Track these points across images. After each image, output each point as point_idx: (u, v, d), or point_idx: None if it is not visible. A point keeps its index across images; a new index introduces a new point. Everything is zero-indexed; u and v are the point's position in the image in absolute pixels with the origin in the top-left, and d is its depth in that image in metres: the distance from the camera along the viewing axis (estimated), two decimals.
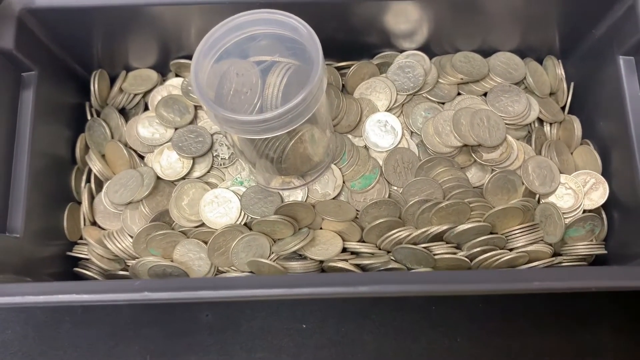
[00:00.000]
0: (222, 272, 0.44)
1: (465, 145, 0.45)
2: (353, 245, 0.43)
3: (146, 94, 0.49)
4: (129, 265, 0.44)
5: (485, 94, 0.47)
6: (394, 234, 0.42)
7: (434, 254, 0.42)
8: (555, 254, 0.44)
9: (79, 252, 0.45)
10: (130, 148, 0.47)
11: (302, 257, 0.43)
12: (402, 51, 0.48)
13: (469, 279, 0.32)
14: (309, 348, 0.50)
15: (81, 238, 0.46)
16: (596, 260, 0.45)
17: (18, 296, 0.32)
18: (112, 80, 0.49)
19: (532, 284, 0.31)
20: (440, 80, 0.47)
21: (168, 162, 0.46)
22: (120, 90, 0.49)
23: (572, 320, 0.50)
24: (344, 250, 0.43)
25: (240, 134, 0.36)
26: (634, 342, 0.50)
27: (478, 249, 0.42)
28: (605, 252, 0.44)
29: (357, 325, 0.51)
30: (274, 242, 0.43)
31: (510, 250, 0.43)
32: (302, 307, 0.51)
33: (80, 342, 0.50)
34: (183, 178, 0.46)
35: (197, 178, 0.46)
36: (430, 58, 0.48)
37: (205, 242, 0.43)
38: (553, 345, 0.50)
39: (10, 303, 0.32)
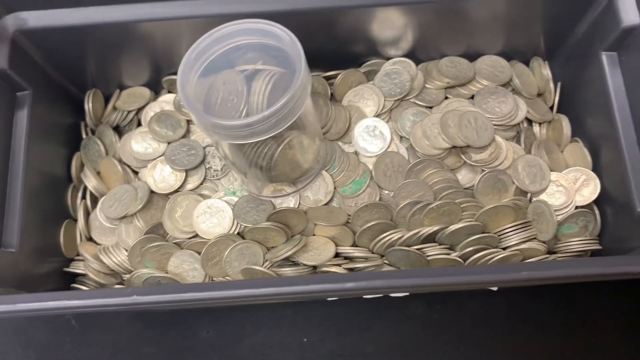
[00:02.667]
0: None
1: (454, 147, 0.45)
2: (346, 249, 0.43)
3: (139, 110, 0.49)
4: (124, 280, 0.44)
5: (472, 97, 0.48)
6: (386, 236, 0.42)
7: (427, 256, 0.42)
8: (550, 252, 0.44)
9: (76, 267, 0.45)
10: (124, 164, 0.47)
11: (295, 264, 0.43)
12: (388, 58, 0.49)
13: (452, 272, 0.32)
14: None
15: (78, 255, 0.46)
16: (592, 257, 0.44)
17: (10, 304, 0.32)
18: (106, 99, 0.50)
19: (521, 274, 0.31)
20: (427, 85, 0.48)
21: (161, 176, 0.46)
22: (114, 108, 0.50)
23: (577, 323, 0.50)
24: (338, 255, 0.43)
25: (228, 139, 0.37)
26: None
27: (471, 248, 0.42)
28: (600, 247, 0.43)
29: (359, 337, 0.51)
30: (268, 250, 0.44)
31: (504, 249, 0.43)
32: (303, 320, 0.51)
33: None
34: (176, 191, 0.46)
35: (191, 190, 0.46)
36: (417, 64, 0.49)
37: (199, 253, 0.43)
38: (558, 350, 0.50)
39: (3, 312, 0.32)
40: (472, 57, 0.49)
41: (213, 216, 0.44)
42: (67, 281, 0.46)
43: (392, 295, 0.51)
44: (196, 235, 0.44)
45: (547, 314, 0.51)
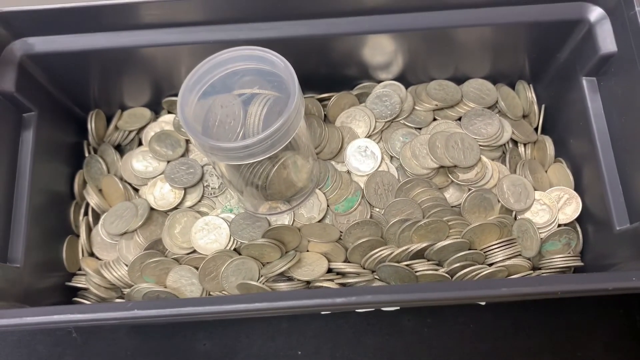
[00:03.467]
0: None
1: (442, 167, 0.47)
2: (338, 265, 0.45)
3: (140, 130, 0.51)
4: (125, 294, 0.46)
5: (460, 119, 0.50)
6: (377, 252, 0.44)
7: (416, 271, 0.43)
8: (534, 268, 0.45)
9: (78, 282, 0.47)
10: (126, 181, 0.49)
11: (290, 279, 0.45)
12: (379, 82, 0.51)
13: (434, 288, 0.34)
14: None
15: (80, 269, 0.48)
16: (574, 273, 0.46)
17: (17, 318, 0.34)
18: (108, 119, 0.52)
19: (501, 290, 0.33)
20: (416, 107, 0.50)
21: (161, 193, 0.48)
22: (116, 128, 0.51)
23: (564, 337, 0.51)
24: (330, 271, 0.45)
25: (226, 160, 0.39)
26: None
27: (458, 264, 0.43)
28: (582, 264, 0.45)
29: (352, 350, 0.52)
30: (263, 265, 0.45)
31: (490, 265, 0.44)
32: (297, 333, 0.53)
33: None
34: (175, 208, 0.48)
35: (189, 207, 0.48)
36: (407, 87, 0.51)
37: (197, 268, 0.45)
38: None
39: (9, 325, 0.34)
40: (459, 80, 0.51)
41: (210, 232, 0.46)
42: (69, 295, 0.47)
43: (384, 309, 0.52)
44: (194, 251, 0.46)
45: (534, 328, 0.52)
